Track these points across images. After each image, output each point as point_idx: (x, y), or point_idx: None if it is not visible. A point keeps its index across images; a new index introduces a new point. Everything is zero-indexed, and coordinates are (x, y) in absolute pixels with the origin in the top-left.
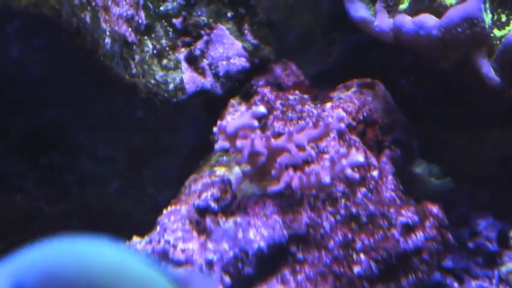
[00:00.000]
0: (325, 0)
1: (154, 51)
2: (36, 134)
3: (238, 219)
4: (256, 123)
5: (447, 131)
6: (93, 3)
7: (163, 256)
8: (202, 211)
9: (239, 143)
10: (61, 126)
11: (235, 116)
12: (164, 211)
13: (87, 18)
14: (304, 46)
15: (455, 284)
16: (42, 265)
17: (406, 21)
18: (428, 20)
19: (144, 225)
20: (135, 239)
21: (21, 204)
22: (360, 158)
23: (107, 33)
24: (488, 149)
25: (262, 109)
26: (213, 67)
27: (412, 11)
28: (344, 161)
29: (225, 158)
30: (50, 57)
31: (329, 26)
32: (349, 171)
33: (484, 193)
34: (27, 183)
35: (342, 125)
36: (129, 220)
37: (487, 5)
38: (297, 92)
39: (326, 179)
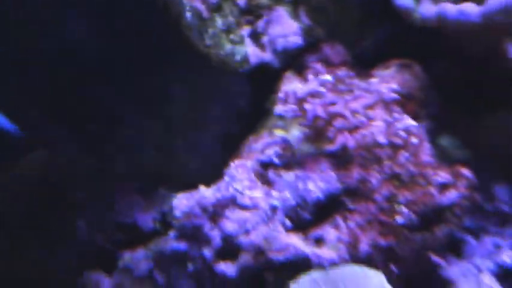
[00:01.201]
0: None
1: (224, 27)
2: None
3: (298, 172)
4: (323, 89)
5: (473, 111)
6: None
7: (231, 201)
8: (266, 165)
9: (305, 106)
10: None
11: (293, 85)
12: (232, 164)
13: None
14: (340, 31)
15: (473, 240)
16: None
17: (450, 8)
18: (470, 8)
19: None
20: (202, 188)
21: None
22: (413, 122)
23: (188, 7)
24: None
25: (328, 77)
26: (272, 43)
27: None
28: (398, 125)
29: (280, 122)
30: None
31: (362, 14)
32: (402, 134)
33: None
34: None
35: (393, 95)
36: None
37: None
38: (343, 68)
39: (381, 139)
